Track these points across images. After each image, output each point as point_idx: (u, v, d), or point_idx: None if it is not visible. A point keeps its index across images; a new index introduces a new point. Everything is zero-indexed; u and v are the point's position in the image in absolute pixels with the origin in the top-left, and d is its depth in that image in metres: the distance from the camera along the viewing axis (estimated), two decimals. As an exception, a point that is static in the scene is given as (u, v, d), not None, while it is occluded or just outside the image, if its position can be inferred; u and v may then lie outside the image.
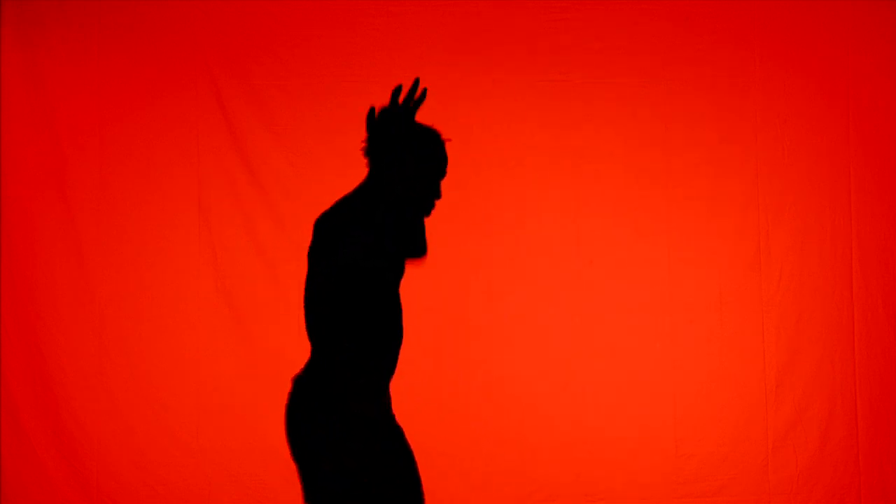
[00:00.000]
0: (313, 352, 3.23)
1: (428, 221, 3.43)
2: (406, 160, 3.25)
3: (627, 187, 5.52)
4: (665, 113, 5.52)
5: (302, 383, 3.19)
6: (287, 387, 3.27)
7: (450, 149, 3.36)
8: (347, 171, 5.44)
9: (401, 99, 3.16)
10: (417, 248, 3.37)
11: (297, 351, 5.44)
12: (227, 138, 5.47)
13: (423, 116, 3.38)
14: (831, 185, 5.51)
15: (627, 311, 5.49)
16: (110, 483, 5.39)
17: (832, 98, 5.52)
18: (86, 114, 5.46)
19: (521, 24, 5.51)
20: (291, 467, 5.43)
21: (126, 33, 5.47)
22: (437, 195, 3.33)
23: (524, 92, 5.50)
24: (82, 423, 5.41)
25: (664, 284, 5.50)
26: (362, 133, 5.47)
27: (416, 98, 3.18)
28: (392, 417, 3.31)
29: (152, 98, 5.48)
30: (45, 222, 5.45)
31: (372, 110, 3.19)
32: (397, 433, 3.28)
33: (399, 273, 3.29)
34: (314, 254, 3.23)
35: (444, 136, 3.34)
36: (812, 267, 5.50)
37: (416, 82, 3.17)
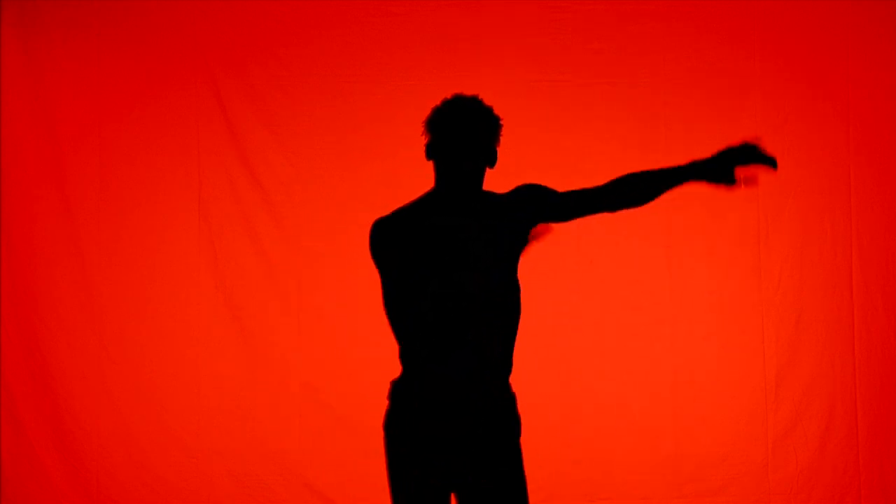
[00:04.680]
0: (484, 351, 3.30)
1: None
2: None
3: (627, 187, 5.51)
4: (665, 113, 5.51)
5: (497, 376, 3.35)
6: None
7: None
8: (347, 170, 5.50)
9: None
10: None
11: (296, 351, 5.49)
12: (227, 138, 5.47)
13: (422, 114, 3.40)
14: (831, 185, 5.51)
15: (627, 311, 5.49)
16: (110, 483, 5.39)
17: (832, 98, 5.51)
18: (85, 114, 5.46)
19: (520, 24, 5.51)
20: (290, 467, 5.45)
21: (126, 33, 5.48)
22: None
23: (524, 92, 5.49)
24: (82, 423, 5.41)
25: (664, 284, 5.49)
26: (362, 133, 5.50)
27: None
28: None
29: (152, 98, 5.48)
30: (45, 222, 5.45)
31: None
32: None
33: None
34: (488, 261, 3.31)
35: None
36: (812, 267, 5.50)
37: None
